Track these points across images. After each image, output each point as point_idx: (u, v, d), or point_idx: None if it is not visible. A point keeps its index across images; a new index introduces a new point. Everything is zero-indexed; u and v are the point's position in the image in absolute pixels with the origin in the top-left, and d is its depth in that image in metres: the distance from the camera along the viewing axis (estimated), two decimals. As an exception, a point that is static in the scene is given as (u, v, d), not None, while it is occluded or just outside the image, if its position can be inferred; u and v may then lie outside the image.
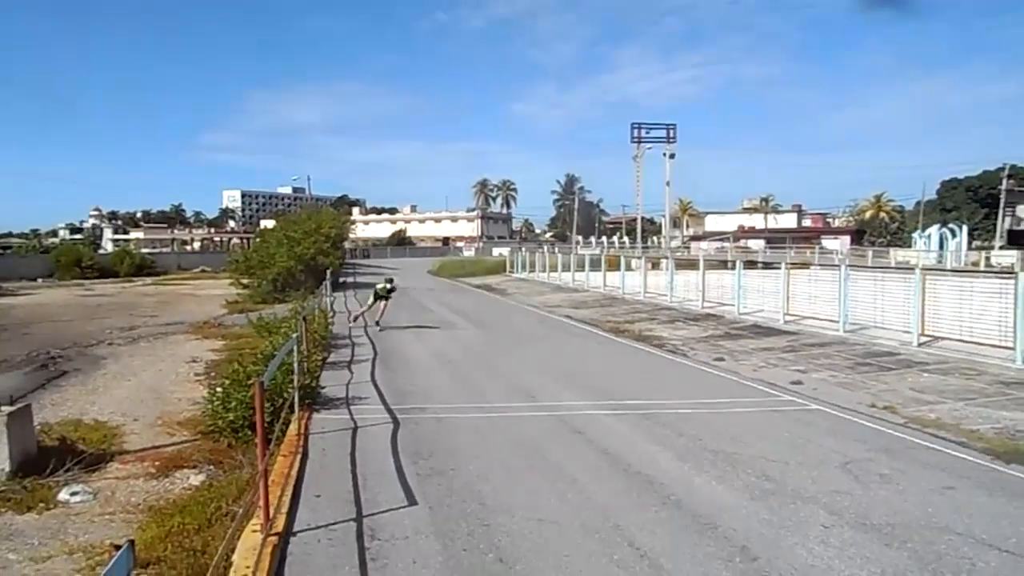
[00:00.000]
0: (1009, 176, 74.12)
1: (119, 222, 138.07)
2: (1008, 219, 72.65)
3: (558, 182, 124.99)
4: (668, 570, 4.96)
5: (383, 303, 19.83)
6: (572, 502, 6.31)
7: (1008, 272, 15.08)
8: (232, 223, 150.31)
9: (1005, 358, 12.33)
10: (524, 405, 10.31)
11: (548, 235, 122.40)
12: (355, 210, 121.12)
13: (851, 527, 5.67)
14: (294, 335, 9.88)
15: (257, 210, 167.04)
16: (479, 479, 6.97)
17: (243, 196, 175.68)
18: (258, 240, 43.70)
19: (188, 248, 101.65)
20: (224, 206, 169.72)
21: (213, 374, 13.28)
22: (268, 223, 73.52)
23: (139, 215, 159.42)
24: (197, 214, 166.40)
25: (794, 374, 12.27)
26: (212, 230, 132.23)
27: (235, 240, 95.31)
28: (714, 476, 7.01)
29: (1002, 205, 72.03)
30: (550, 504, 6.27)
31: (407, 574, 4.96)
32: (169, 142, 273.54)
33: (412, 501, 6.34)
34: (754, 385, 11.52)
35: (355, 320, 19.91)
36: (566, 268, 38.32)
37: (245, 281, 33.68)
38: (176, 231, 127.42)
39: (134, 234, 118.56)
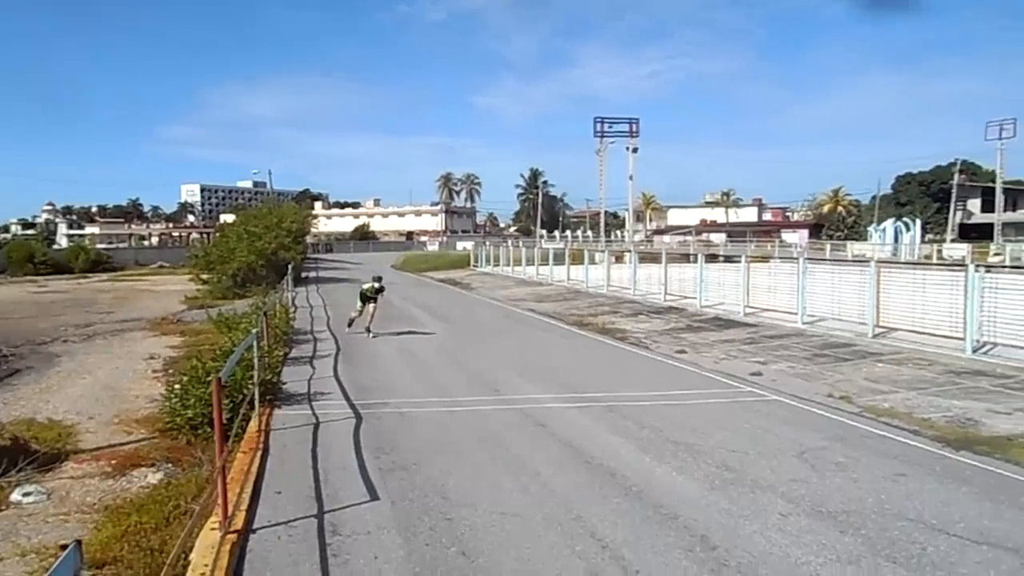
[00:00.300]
0: (960, 171, 76.19)
1: (73, 217, 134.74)
2: (959, 213, 74.70)
3: (522, 176, 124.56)
4: (629, 560, 5.01)
5: (372, 306, 17.26)
6: (535, 495, 6.34)
7: (959, 265, 15.48)
8: (191, 218, 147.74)
9: (956, 348, 12.67)
10: (488, 399, 10.31)
11: (512, 229, 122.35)
12: (317, 204, 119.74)
13: (807, 515, 5.78)
14: (254, 330, 9.75)
15: (217, 204, 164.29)
16: (442, 473, 6.95)
17: (202, 190, 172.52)
18: (218, 235, 43.06)
19: (146, 243, 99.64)
20: (183, 200, 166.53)
21: (172, 371, 13.07)
22: (228, 217, 72.28)
23: (94, 210, 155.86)
24: (155, 209, 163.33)
25: (754, 365, 12.46)
26: (170, 225, 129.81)
27: (194, 235, 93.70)
28: (675, 467, 7.09)
29: (953, 199, 73.98)
30: (513, 497, 6.28)
31: (369, 569, 4.93)
32: (126, 135, 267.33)
33: (374, 496, 6.30)
34: (715, 377, 11.67)
35: (351, 326, 17.48)
36: (530, 262, 38.39)
37: (205, 276, 33.19)
38: (133, 226, 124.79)
39: (89, 229, 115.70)
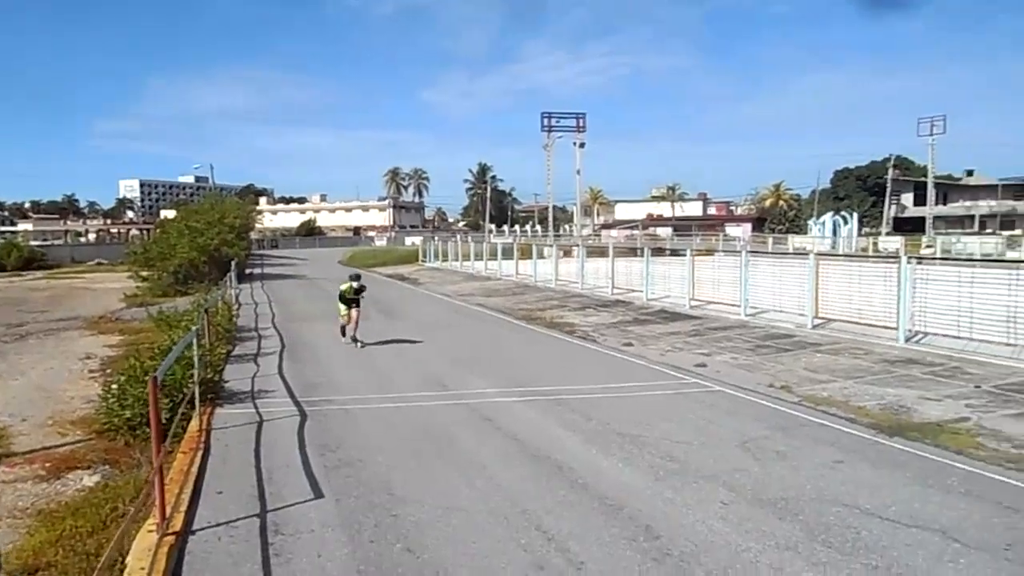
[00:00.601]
0: (894, 167, 78.79)
1: (6, 213, 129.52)
2: (894, 207, 77.27)
3: (470, 171, 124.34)
4: (575, 552, 5.05)
5: (355, 311, 14.69)
6: (481, 489, 6.34)
7: (893, 257, 16.01)
8: (130, 214, 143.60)
9: (890, 338, 13.10)
10: (435, 394, 10.27)
11: (461, 224, 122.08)
12: (262, 200, 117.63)
13: (748, 503, 5.91)
14: (194, 328, 9.53)
15: (157, 200, 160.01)
16: (388, 469, 6.91)
17: (142, 186, 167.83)
18: (158, 231, 42.03)
19: (83, 240, 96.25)
20: (122, 196, 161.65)
21: (109, 371, 12.69)
22: (169, 213, 70.57)
23: (27, 206, 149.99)
24: (92, 205, 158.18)
25: (698, 357, 12.67)
26: (109, 221, 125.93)
27: (134, 231, 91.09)
28: (621, 458, 7.17)
29: (888, 194, 76.50)
30: (459, 492, 6.27)
31: (312, 568, 4.87)
32: (62, 130, 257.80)
33: (319, 494, 6.22)
34: (661, 369, 11.84)
35: (345, 336, 14.97)
36: (479, 257, 38.34)
37: (144, 274, 32.39)
38: (69, 222, 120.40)
39: (22, 226, 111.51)
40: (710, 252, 31.99)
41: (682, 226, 74.62)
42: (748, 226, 74.79)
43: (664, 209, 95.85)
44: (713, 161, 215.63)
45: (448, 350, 14.31)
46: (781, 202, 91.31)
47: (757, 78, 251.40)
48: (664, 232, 72.18)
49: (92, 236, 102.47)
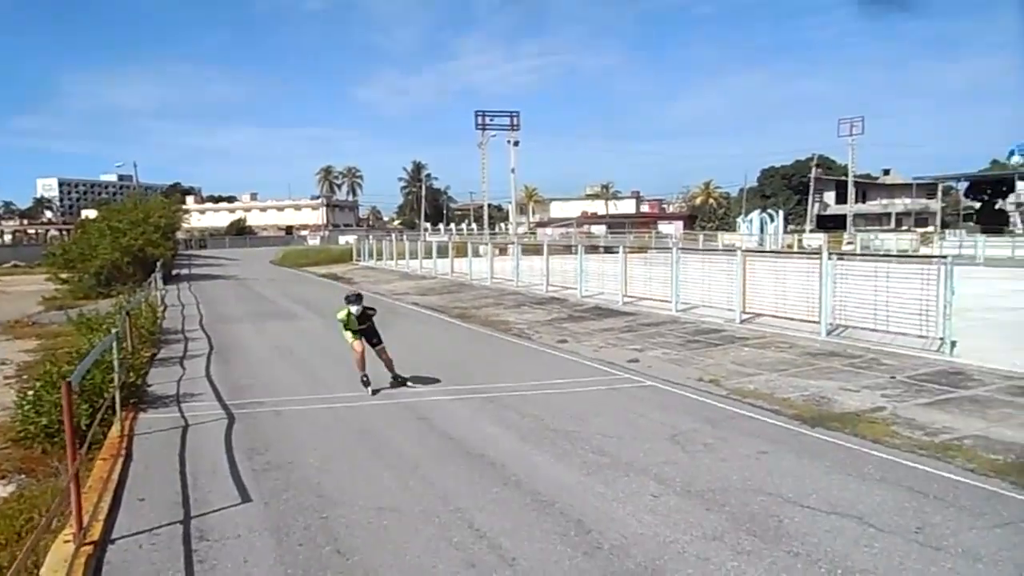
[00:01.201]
0: (817, 165, 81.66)
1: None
2: (817, 205, 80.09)
3: (405, 169, 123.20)
4: (506, 548, 5.06)
5: (362, 342, 10.40)
6: (413, 489, 6.29)
7: (816, 253, 16.57)
8: (49, 214, 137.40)
9: (812, 331, 13.56)
10: (368, 394, 10.14)
11: (396, 223, 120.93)
12: (189, 199, 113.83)
13: (677, 495, 6.03)
14: (114, 331, 9.19)
15: (78, 199, 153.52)
16: (318, 471, 6.79)
17: (61, 185, 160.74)
18: (78, 231, 40.41)
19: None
20: (39, 195, 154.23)
21: (26, 377, 12.11)
22: (90, 213, 67.83)
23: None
24: (7, 205, 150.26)
25: (631, 353, 12.86)
26: (25, 222, 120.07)
27: (52, 232, 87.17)
28: (553, 454, 7.22)
29: (811, 192, 79.27)
30: (391, 492, 6.22)
31: (238, 574, 4.75)
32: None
33: (246, 498, 6.08)
34: (594, 365, 11.97)
35: (368, 385, 10.22)
36: (414, 255, 38.09)
37: (64, 276, 31.15)
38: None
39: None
40: (643, 249, 32.54)
41: (616, 224, 75.62)
42: (680, 224, 76.34)
43: (598, 207, 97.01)
44: (645, 160, 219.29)
45: (382, 349, 14.15)
46: (711, 200, 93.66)
47: (686, 78, 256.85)
48: (598, 230, 72.98)
49: (8, 237, 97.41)
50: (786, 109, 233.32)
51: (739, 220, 63.96)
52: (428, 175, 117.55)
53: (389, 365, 10.58)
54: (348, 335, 10.38)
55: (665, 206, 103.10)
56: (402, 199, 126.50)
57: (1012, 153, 76.11)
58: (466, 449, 7.46)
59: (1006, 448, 6.99)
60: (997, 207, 73.32)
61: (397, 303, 23.10)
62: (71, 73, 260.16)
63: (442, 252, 35.25)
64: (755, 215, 57.15)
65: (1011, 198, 71.81)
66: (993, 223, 65.62)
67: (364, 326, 10.49)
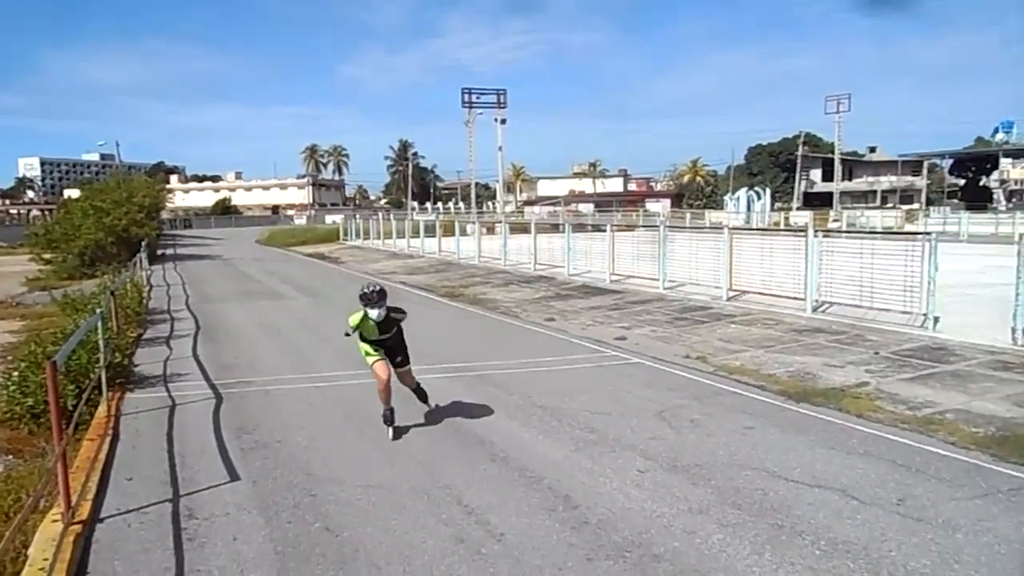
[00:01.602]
0: (804, 143, 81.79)
1: None
2: (803, 182, 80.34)
3: (391, 148, 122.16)
4: (495, 524, 5.10)
5: (386, 364, 7.48)
6: (402, 466, 6.33)
7: (802, 231, 16.66)
8: (31, 193, 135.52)
9: (798, 308, 13.66)
10: (355, 373, 10.06)
11: (383, 202, 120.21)
12: (173, 178, 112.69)
13: (664, 470, 6.09)
14: (99, 310, 9.14)
15: (60, 179, 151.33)
16: (307, 450, 6.81)
17: (43, 164, 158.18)
18: (62, 211, 40.06)
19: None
20: (21, 175, 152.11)
21: (11, 357, 12.03)
22: (73, 193, 67.08)
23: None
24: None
25: (619, 331, 12.92)
26: (7, 202, 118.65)
27: (35, 212, 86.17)
28: (541, 431, 7.27)
29: (798, 170, 79.48)
30: (380, 470, 6.25)
31: (227, 551, 4.77)
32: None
33: (235, 477, 6.09)
34: (582, 343, 12.02)
35: (389, 421, 7.32)
36: (401, 235, 38.01)
37: (48, 256, 30.98)
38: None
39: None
40: (630, 228, 32.56)
41: (603, 202, 75.73)
42: (667, 202, 76.53)
43: (586, 185, 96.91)
44: (633, 137, 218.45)
45: (370, 328, 14.15)
46: (698, 178, 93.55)
47: (674, 55, 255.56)
48: (586, 208, 73.10)
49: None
50: (774, 87, 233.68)
51: (726, 198, 64.16)
52: (415, 153, 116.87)
53: (417, 390, 7.87)
54: (365, 350, 7.36)
55: (653, 184, 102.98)
56: (389, 178, 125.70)
57: (996, 130, 76.71)
58: (454, 427, 7.50)
59: (986, 421, 7.10)
60: (981, 184, 73.98)
61: (385, 282, 23.00)
62: (52, 51, 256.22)
63: (429, 231, 35.17)
64: (742, 193, 57.36)
65: (995, 175, 72.45)
66: (977, 200, 66.23)
67: (387, 336, 7.43)
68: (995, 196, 69.08)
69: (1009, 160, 74.04)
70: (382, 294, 7.34)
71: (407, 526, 5.08)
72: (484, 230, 31.50)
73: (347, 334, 7.33)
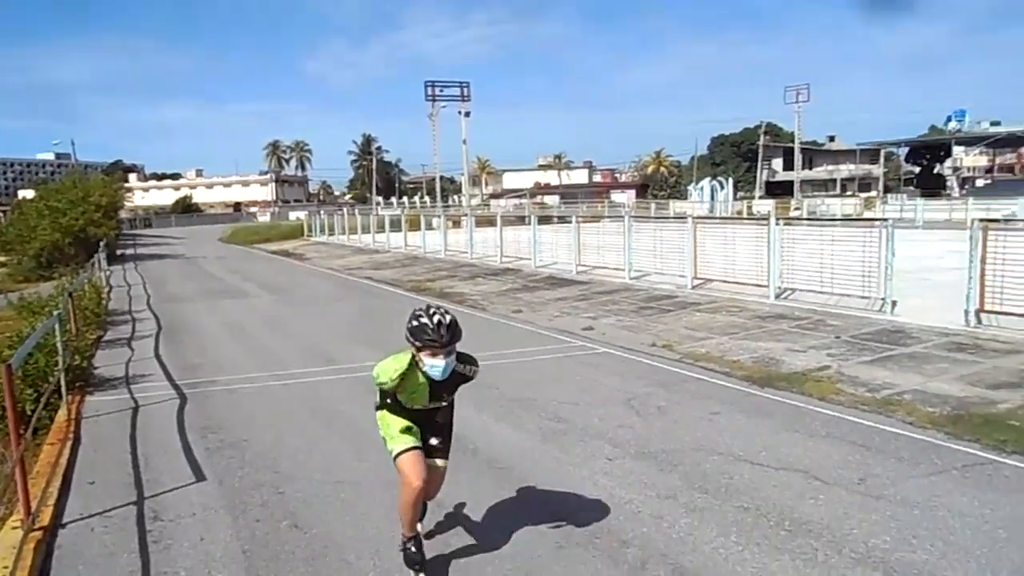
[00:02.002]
0: (765, 133, 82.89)
1: None
2: (765, 172, 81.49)
3: (355, 143, 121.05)
4: (465, 515, 5.12)
5: (420, 459, 4.37)
6: (372, 461, 6.27)
7: (764, 219, 16.89)
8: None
9: (761, 295, 13.87)
10: (323, 369, 10.08)
11: (347, 197, 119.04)
12: (132, 176, 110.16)
13: (632, 457, 6.16)
14: (55, 313, 8.94)
15: (14, 180, 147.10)
16: (274, 447, 6.75)
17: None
18: (15, 212, 39.09)
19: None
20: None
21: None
22: (27, 193, 65.37)
23: None
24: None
25: (586, 321, 13.00)
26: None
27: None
28: (511, 423, 7.30)
29: (760, 159, 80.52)
30: (349, 465, 6.22)
31: (194, 552, 4.71)
32: None
33: (200, 477, 6.01)
34: (549, 334, 12.07)
35: (417, 534, 4.44)
36: (366, 230, 37.72)
37: (2, 259, 30.17)
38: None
39: None
40: (596, 218, 32.69)
41: (569, 194, 76.07)
42: (632, 192, 77.10)
43: (551, 178, 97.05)
44: (597, 129, 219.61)
45: (336, 324, 14.08)
46: (662, 169, 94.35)
47: (638, 47, 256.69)
48: (552, 200, 73.31)
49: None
50: (736, 77, 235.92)
51: (690, 188, 64.78)
52: (379, 148, 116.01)
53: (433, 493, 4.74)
54: (393, 428, 4.57)
55: (617, 175, 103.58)
56: (352, 173, 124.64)
57: (949, 119, 78.39)
58: (423, 420, 7.48)
59: (942, 401, 7.29)
60: (935, 171, 75.63)
61: (350, 278, 22.90)
62: (3, 47, 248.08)
63: (395, 226, 34.96)
64: (706, 183, 58.00)
65: (948, 163, 74.14)
66: (932, 187, 67.77)
67: (437, 407, 4.66)
68: (949, 183, 70.72)
69: (962, 148, 76.03)
70: (453, 329, 4.19)
71: (377, 520, 5.07)
72: (450, 224, 31.40)
73: (377, 406, 4.65)
